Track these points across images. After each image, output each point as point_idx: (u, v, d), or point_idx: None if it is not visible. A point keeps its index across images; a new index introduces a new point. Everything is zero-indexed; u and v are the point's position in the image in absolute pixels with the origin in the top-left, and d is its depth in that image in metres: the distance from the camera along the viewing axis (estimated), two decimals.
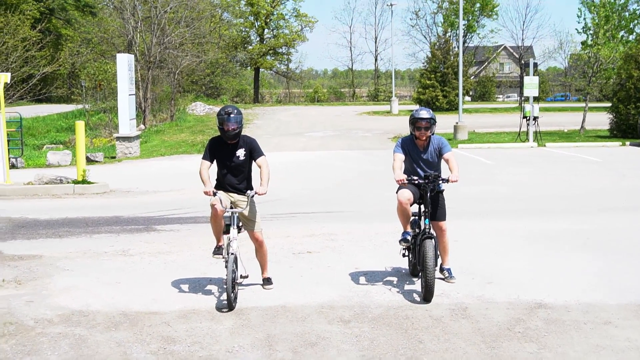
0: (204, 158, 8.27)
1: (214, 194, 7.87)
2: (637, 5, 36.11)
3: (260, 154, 8.23)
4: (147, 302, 8.10)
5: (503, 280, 8.63)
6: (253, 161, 8.35)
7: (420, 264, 8.11)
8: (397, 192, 8.53)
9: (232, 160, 8.17)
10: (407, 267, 9.22)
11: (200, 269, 9.50)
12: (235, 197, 8.24)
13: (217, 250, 8.31)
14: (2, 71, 21.82)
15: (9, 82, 19.38)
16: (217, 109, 54.31)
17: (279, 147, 28.62)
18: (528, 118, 29.79)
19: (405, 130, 35.96)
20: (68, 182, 17.90)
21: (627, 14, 35.84)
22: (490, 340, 6.80)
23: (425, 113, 8.45)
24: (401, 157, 8.51)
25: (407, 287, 8.62)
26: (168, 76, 44.26)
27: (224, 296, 7.81)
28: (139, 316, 7.63)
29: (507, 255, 10.08)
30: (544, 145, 28.69)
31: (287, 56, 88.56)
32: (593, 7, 35.60)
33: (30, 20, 45.47)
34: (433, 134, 8.56)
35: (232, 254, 7.73)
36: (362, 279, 8.96)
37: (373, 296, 8.23)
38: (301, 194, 16.53)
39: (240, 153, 8.14)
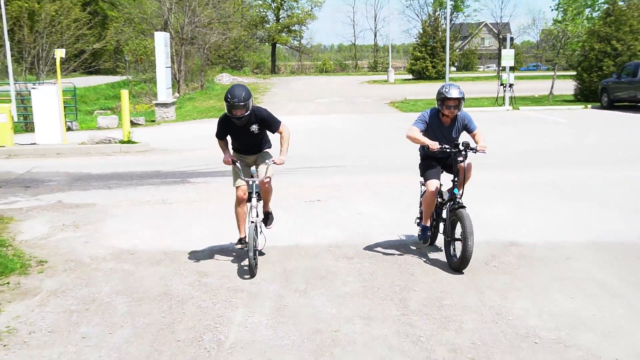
0: (217, 136, 7.17)
1: (234, 162, 6.97)
2: None
3: (277, 125, 7.03)
4: (183, 242, 8.21)
5: (482, 223, 8.67)
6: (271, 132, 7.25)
7: (448, 233, 7.12)
8: (425, 181, 7.39)
9: (246, 134, 7.02)
10: (400, 214, 9.25)
11: (227, 214, 9.53)
12: (252, 158, 7.32)
13: (240, 242, 7.33)
14: (58, 47, 21.71)
15: (64, 57, 19.30)
16: (240, 79, 54.13)
17: (292, 112, 28.55)
18: (504, 85, 29.60)
19: (399, 96, 35.71)
20: (115, 142, 17.95)
21: None
22: (471, 273, 6.88)
23: (455, 92, 7.02)
24: (419, 131, 7.19)
25: (401, 229, 8.67)
26: (198, 51, 43.93)
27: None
28: (176, 254, 7.73)
29: (486, 202, 10.10)
30: (518, 109, 28.51)
31: (299, 33, 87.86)
32: None
33: (80, 3, 45.14)
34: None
35: (252, 222, 6.87)
36: (364, 223, 9.02)
37: (373, 237, 8.30)
38: (312, 151, 16.52)
39: (254, 128, 6.95)
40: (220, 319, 5.76)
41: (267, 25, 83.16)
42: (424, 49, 60.16)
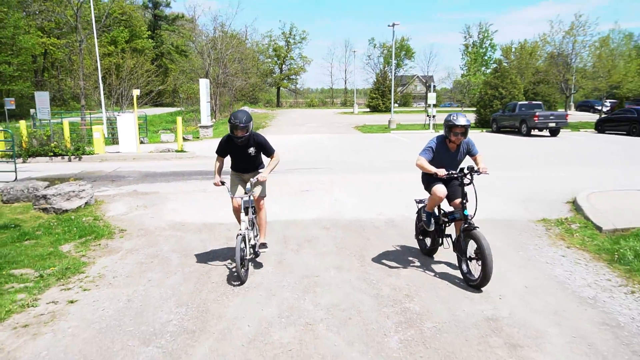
0: (217, 152, 5.83)
1: (222, 183, 5.67)
2: (491, 53, 35.87)
3: (272, 151, 5.73)
4: (216, 218, 8.10)
5: (415, 206, 8.67)
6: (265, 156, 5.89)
7: (463, 252, 5.31)
8: (432, 188, 5.62)
9: (244, 155, 5.74)
10: (363, 200, 9.19)
11: None
12: (248, 176, 5.90)
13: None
14: (135, 89, 21.55)
15: (139, 95, 19.22)
16: (257, 110, 53.95)
17: (291, 131, 28.39)
18: (430, 116, 29.71)
19: (360, 122, 35.25)
20: (172, 151, 17.72)
21: (486, 57, 35.59)
22: (407, 238, 6.87)
23: (462, 120, 5.43)
24: (426, 160, 5.49)
25: (364, 209, 8.62)
26: (228, 91, 43.76)
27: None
28: (212, 226, 7.66)
29: (417, 193, 10.11)
30: (438, 132, 28.54)
31: (295, 80, 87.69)
32: (468, 53, 35.34)
33: (150, 59, 44.79)
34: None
35: (239, 234, 5.33)
36: (338, 205, 8.99)
37: (344, 214, 8.28)
38: (303, 157, 16.46)
39: (252, 151, 5.70)
40: None
41: (274, 75, 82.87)
42: (377, 92, 60.10)
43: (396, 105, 74.12)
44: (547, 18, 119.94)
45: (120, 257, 6.18)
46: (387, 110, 55.12)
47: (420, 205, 6.22)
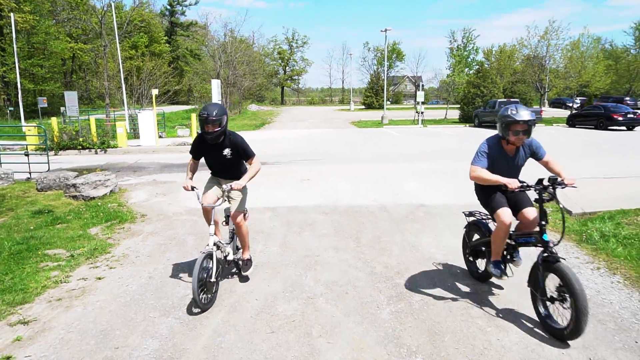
0: (190, 152, 4.56)
1: (192, 189, 4.33)
2: (474, 56, 35.60)
3: (251, 155, 4.44)
4: (226, 203, 8.06)
5: (404, 193, 8.67)
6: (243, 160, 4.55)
7: (540, 289, 3.60)
8: (496, 210, 3.81)
9: (219, 158, 4.44)
10: (359, 187, 9.14)
11: (252, 187, 9.45)
12: (225, 186, 4.45)
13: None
14: (154, 88, 21.45)
15: (157, 94, 19.13)
16: (263, 108, 53.70)
17: (294, 126, 28.30)
18: (418, 112, 29.57)
19: (355, 119, 35.11)
20: (188, 145, 17.68)
21: (469, 59, 35.34)
22: (397, 222, 6.88)
23: (526, 114, 3.63)
24: (484, 169, 3.77)
25: (359, 196, 8.58)
26: (237, 91, 43.53)
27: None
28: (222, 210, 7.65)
29: (405, 181, 10.10)
30: (426, 126, 28.37)
31: (297, 80, 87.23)
32: (453, 55, 35.11)
33: (167, 62, 44.49)
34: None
35: (202, 252, 4.08)
36: (335, 193, 8.97)
37: (341, 201, 8.26)
38: (305, 150, 16.42)
39: (227, 152, 4.38)
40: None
41: (278, 76, 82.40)
42: (371, 91, 59.91)
43: (388, 102, 73.74)
44: (524, 24, 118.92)
45: (141, 239, 6.18)
46: (380, 107, 54.90)
47: (471, 219, 4.66)
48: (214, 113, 4.15)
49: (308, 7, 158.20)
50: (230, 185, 4.27)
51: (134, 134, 21.39)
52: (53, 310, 4.15)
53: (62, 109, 23.02)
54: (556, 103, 49.22)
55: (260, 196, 8.52)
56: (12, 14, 24.87)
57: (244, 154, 4.43)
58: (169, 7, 75.46)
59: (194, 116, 18.62)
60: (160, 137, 20.65)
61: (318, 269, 5.08)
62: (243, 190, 4.54)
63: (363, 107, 61.66)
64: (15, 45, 23.46)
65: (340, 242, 5.96)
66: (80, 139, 16.55)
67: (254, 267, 5.06)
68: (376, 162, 13.04)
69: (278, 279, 4.80)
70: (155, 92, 17.73)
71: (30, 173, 10.71)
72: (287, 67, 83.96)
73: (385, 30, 34.02)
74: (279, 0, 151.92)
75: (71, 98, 18.99)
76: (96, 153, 16.29)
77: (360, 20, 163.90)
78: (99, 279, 4.86)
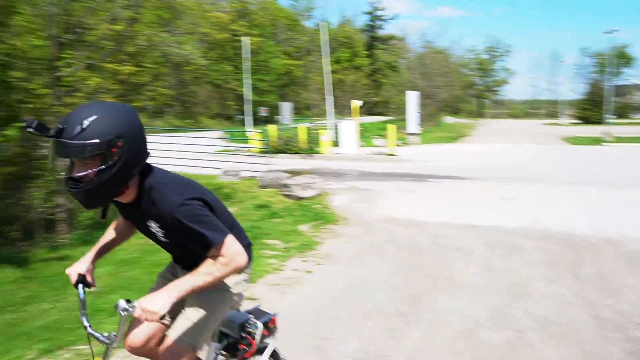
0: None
1: (76, 284, 1.84)
2: None
3: (211, 240, 1.65)
4: (425, 215, 7.93)
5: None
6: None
7: None
8: None
9: (147, 232, 1.79)
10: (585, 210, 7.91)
11: (448, 202, 9.16)
12: (121, 303, 1.61)
13: None
14: (356, 100, 22.95)
15: (361, 105, 20.41)
16: (460, 120, 51.89)
17: (492, 141, 26.44)
18: None
19: (566, 133, 31.11)
20: (384, 155, 18.30)
21: None
22: (630, 260, 5.72)
23: None
24: None
25: (572, 222, 7.32)
26: (433, 103, 43.27)
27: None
28: (420, 222, 7.59)
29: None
30: None
31: (498, 91, 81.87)
32: None
33: (366, 74, 47.08)
34: None
35: None
36: (543, 216, 7.89)
37: (552, 227, 7.17)
38: (505, 166, 15.14)
39: (154, 227, 1.71)
40: (445, 264, 5.58)
41: (476, 86, 78.66)
42: (588, 102, 52.13)
43: (613, 116, 62.88)
44: None
45: (344, 241, 6.61)
46: (600, 121, 47.20)
47: None
48: (76, 128, 1.55)
49: (509, 12, 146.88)
50: (126, 308, 1.64)
51: (334, 141, 23.23)
52: (271, 294, 4.75)
53: (276, 117, 26.48)
54: None
55: (456, 211, 8.22)
56: (245, 38, 29.87)
57: (188, 235, 1.71)
58: (370, 22, 79.80)
59: (391, 127, 19.19)
60: (361, 146, 21.91)
61: (528, 300, 4.60)
62: (207, 298, 1.97)
63: (577, 121, 53.97)
64: (247, 64, 28.10)
65: (553, 274, 5.29)
66: (292, 145, 18.78)
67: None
68: (596, 185, 11.16)
69: (480, 304, 4.52)
70: (359, 103, 18.88)
71: (253, 172, 12.59)
72: (486, 77, 79.54)
73: (611, 32, 29.19)
74: (479, 8, 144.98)
75: (285, 108, 21.72)
76: (304, 158, 18.19)
77: (574, 23, 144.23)
78: (308, 272, 5.37)
